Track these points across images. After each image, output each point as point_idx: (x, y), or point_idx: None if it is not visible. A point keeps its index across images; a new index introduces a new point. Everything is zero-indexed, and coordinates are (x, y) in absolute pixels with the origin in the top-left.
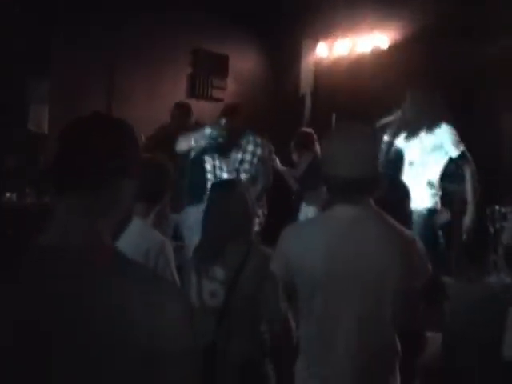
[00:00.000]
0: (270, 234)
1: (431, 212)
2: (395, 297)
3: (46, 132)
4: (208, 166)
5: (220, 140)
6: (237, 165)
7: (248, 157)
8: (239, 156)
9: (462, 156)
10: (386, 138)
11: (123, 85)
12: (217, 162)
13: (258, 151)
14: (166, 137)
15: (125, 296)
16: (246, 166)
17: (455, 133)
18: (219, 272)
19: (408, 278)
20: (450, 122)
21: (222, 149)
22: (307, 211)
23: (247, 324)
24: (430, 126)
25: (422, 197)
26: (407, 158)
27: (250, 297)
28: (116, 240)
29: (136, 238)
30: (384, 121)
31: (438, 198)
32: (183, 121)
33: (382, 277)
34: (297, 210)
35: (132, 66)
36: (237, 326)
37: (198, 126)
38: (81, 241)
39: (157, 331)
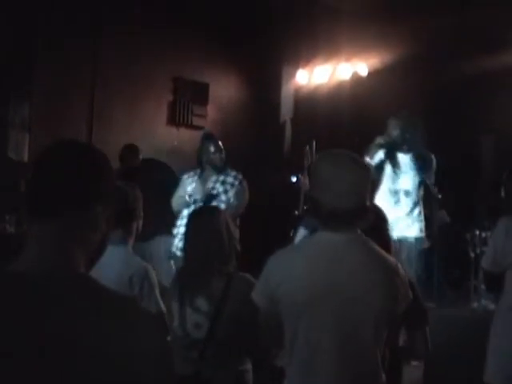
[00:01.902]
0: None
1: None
2: (377, 322)
3: (26, 160)
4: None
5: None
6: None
7: (230, 179)
8: (221, 177)
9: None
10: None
11: (104, 111)
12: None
13: (240, 176)
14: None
15: (96, 323)
16: (227, 186)
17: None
18: (203, 303)
19: (390, 303)
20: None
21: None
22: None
23: (231, 354)
24: (416, 153)
25: (416, 226)
26: (402, 187)
27: (235, 327)
28: (93, 267)
29: (119, 265)
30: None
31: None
32: (133, 161)
33: (363, 301)
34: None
35: (113, 92)
36: (220, 356)
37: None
38: (52, 268)
39: (132, 358)
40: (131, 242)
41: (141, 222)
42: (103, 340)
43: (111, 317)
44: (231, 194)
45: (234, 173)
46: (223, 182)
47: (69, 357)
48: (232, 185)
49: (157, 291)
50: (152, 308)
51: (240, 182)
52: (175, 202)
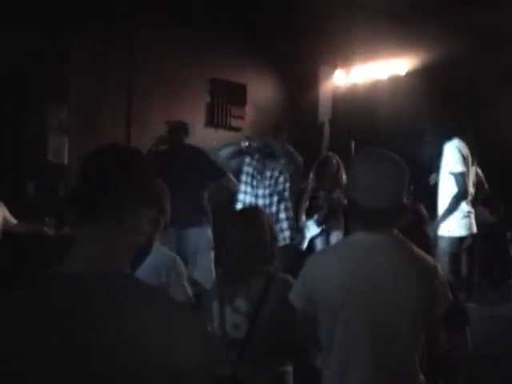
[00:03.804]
0: None
1: None
2: (415, 324)
3: (65, 163)
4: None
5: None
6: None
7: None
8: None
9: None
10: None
11: (141, 113)
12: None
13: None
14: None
15: (141, 321)
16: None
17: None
18: (242, 304)
19: (428, 304)
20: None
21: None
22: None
23: (270, 356)
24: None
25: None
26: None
27: (274, 328)
28: (137, 266)
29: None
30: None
31: None
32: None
33: (400, 303)
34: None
35: (150, 94)
36: (259, 357)
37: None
38: (99, 269)
39: (176, 356)
40: (159, 233)
41: (169, 217)
42: (147, 336)
43: (156, 315)
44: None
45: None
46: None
47: (118, 353)
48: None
49: (184, 280)
50: (179, 295)
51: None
52: (225, 151)
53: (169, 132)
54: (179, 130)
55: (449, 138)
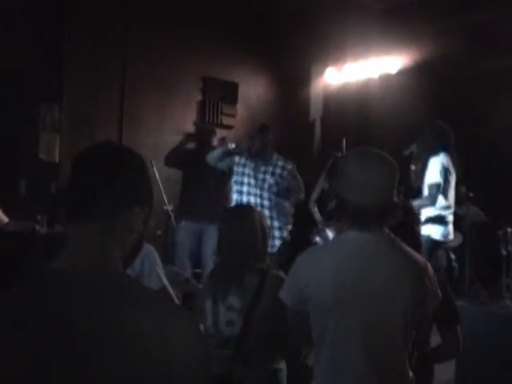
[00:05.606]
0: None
1: None
2: (406, 322)
3: (57, 161)
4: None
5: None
6: (268, 176)
7: (278, 170)
8: (270, 168)
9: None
10: (413, 167)
11: (134, 112)
12: (246, 170)
13: (289, 166)
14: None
15: (138, 320)
16: (277, 178)
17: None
18: (235, 301)
19: (419, 304)
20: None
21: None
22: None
23: (264, 353)
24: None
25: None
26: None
27: (267, 325)
28: (130, 265)
29: None
30: (407, 151)
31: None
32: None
33: (392, 301)
34: None
35: (142, 93)
36: (254, 355)
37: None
38: (91, 266)
39: (171, 352)
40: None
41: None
42: (140, 335)
43: (149, 314)
44: (283, 185)
45: (281, 162)
46: (273, 174)
47: (105, 351)
48: (281, 176)
49: (158, 269)
50: (155, 284)
51: (289, 173)
52: (214, 153)
53: (198, 132)
54: (209, 131)
55: (434, 152)
